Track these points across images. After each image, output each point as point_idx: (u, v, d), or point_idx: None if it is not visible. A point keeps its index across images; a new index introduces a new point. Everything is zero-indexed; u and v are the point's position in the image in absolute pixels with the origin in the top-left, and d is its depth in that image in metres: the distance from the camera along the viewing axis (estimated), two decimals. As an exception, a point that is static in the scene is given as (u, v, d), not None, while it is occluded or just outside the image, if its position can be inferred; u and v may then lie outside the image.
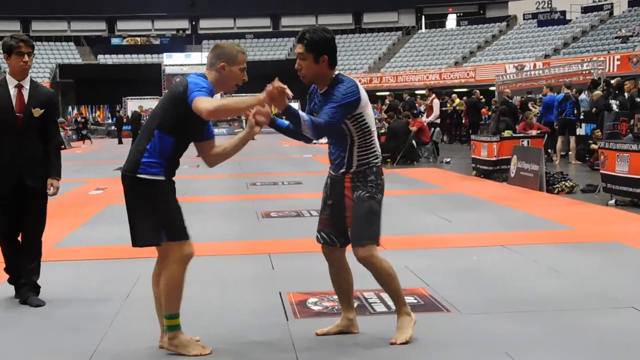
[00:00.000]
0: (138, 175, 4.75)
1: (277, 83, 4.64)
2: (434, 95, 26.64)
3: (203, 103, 4.59)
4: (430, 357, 4.80)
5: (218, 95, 5.04)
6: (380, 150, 5.13)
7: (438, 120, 25.38)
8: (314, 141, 5.47)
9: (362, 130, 4.98)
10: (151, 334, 5.14)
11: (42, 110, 6.18)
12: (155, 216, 4.76)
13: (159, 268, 4.98)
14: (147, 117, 4.69)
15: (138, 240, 4.86)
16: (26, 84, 6.20)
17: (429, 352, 4.87)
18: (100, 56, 60.66)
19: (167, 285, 4.81)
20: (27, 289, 6.24)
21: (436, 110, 25.24)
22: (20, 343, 5.29)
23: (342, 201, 5.05)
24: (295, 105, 5.19)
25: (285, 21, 63.02)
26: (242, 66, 4.91)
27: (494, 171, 16.67)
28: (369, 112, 5.03)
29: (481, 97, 32.24)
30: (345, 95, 4.87)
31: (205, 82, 4.77)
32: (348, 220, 5.03)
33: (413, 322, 5.12)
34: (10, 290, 6.39)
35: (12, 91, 6.13)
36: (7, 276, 6.45)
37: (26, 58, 6.14)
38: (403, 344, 4.97)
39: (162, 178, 4.80)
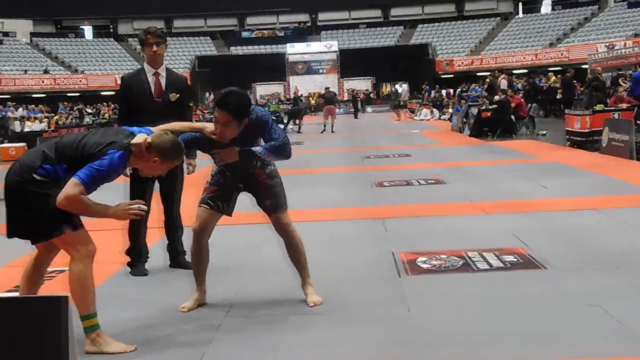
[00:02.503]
0: (33, 175, 4.06)
1: (135, 204, 4.16)
2: (503, 75, 30.41)
3: (68, 188, 3.96)
4: (528, 310, 4.72)
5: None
6: None
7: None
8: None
9: None
10: (273, 285, 5.22)
11: (178, 95, 6.13)
12: (51, 209, 4.03)
13: (35, 265, 4.40)
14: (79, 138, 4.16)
15: (39, 235, 4.17)
16: (162, 72, 6.14)
17: (528, 306, 4.80)
18: (232, 48, 61.44)
19: (79, 287, 4.09)
20: (176, 253, 6.37)
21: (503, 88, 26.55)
22: (170, 297, 5.46)
23: (255, 179, 4.94)
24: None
25: (394, 11, 62.40)
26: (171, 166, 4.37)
27: (587, 142, 16.22)
28: None
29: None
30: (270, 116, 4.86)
31: (106, 168, 4.01)
32: (266, 192, 4.95)
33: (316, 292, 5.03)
34: (158, 256, 6.54)
35: (150, 79, 6.08)
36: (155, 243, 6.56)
37: (154, 48, 6.06)
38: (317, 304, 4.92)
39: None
